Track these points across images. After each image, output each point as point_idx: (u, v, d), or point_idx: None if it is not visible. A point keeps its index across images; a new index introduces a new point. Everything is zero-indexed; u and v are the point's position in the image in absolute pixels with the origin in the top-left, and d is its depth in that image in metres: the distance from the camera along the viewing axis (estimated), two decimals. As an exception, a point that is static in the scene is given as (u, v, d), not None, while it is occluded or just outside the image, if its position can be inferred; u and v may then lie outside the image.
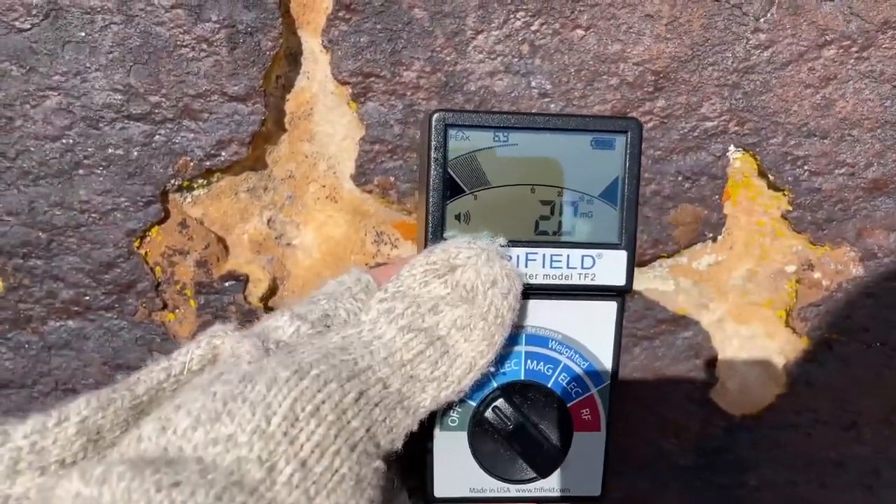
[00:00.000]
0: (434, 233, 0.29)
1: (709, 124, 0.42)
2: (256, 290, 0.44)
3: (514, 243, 0.30)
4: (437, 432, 0.31)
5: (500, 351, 0.28)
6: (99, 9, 0.39)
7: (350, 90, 0.41)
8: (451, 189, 0.30)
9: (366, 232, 0.45)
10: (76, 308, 0.44)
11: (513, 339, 0.31)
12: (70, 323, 0.44)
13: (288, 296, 0.46)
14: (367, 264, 0.45)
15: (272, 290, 0.45)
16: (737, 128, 0.42)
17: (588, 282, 0.31)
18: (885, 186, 0.43)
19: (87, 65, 0.39)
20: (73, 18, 0.39)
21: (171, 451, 0.23)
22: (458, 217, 0.30)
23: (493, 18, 0.40)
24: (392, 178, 0.43)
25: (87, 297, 0.43)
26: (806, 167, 0.43)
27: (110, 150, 0.41)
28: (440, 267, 0.28)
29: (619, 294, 0.32)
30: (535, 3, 0.40)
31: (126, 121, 0.40)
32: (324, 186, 0.44)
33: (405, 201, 0.43)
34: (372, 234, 0.45)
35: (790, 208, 0.44)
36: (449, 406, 0.31)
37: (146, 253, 0.43)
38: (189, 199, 0.43)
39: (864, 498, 0.50)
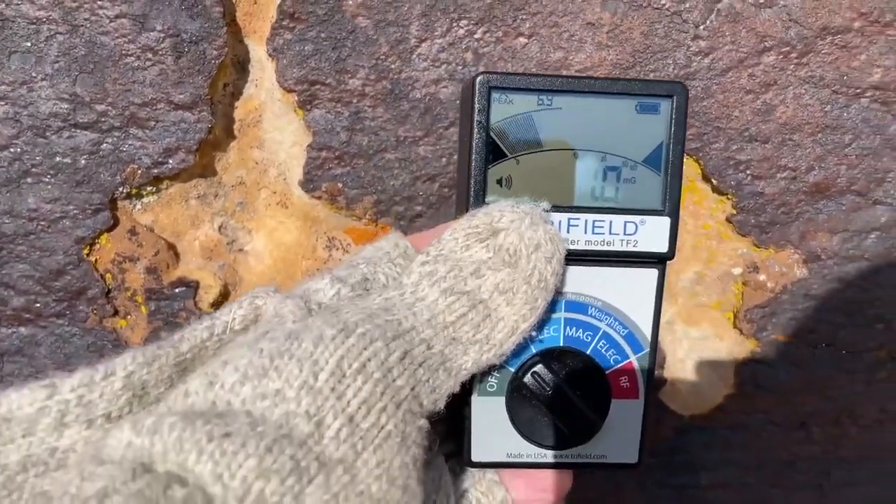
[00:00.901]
0: (476, 197, 0.29)
1: (652, 130, 0.43)
2: (207, 296, 0.45)
3: (556, 208, 0.30)
4: (475, 397, 0.31)
5: (541, 315, 0.28)
6: (44, 19, 0.39)
7: (296, 98, 0.42)
8: (494, 153, 0.30)
9: (317, 237, 0.46)
10: (27, 315, 0.44)
11: (552, 306, 0.31)
12: (21, 330, 0.44)
13: (240, 301, 0.46)
14: (319, 269, 0.46)
15: (224, 296, 0.45)
16: (679, 133, 0.43)
17: (630, 248, 0.30)
18: (826, 190, 0.44)
19: (33, 74, 0.40)
20: (18, 29, 0.39)
21: (220, 405, 0.23)
22: (499, 182, 0.29)
23: (436, 27, 0.41)
24: (340, 185, 0.43)
25: (38, 305, 0.44)
26: (748, 171, 0.44)
27: (58, 159, 0.41)
28: (483, 231, 0.28)
29: (661, 261, 0.31)
30: (477, 11, 0.41)
31: (73, 129, 0.41)
32: (274, 193, 0.45)
33: (354, 207, 0.44)
34: (323, 240, 0.46)
35: (734, 212, 0.45)
36: (488, 371, 0.30)
37: (96, 260, 0.43)
38: (139, 207, 0.43)
39: (816, 498, 0.51)
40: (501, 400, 0.32)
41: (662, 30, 0.41)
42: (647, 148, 0.30)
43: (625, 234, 0.30)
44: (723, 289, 0.47)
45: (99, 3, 0.39)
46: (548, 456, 0.32)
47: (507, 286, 0.27)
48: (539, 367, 0.31)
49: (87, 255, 0.43)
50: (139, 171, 0.42)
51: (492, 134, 0.30)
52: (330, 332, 0.24)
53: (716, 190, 0.44)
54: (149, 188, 0.43)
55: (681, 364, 0.48)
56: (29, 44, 0.40)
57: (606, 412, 0.32)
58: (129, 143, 0.41)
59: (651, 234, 0.30)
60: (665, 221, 0.30)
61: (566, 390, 0.31)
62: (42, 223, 0.42)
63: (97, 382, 0.23)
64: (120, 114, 0.41)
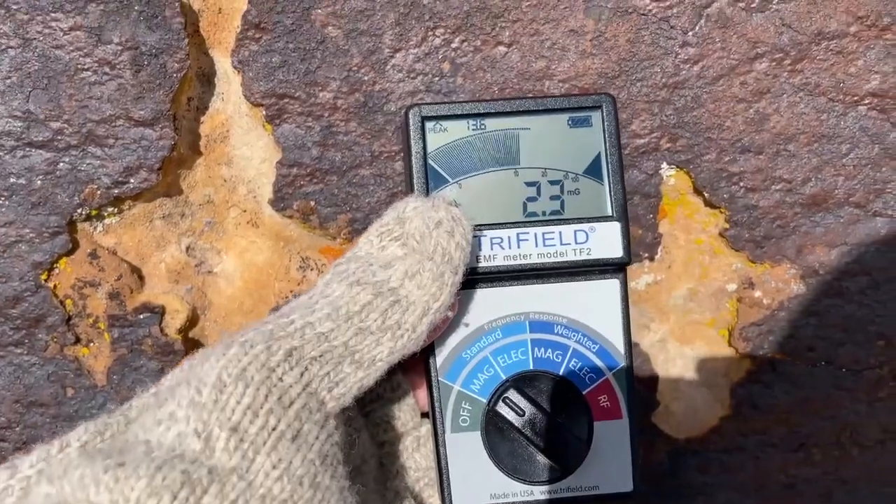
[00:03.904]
0: None
1: (639, 141, 0.41)
2: (174, 322, 0.42)
3: (504, 226, 0.30)
4: (448, 435, 0.30)
5: (454, 294, 0.28)
6: (-7, 32, 0.37)
7: (264, 112, 0.40)
8: (435, 180, 0.30)
9: (290, 258, 0.43)
10: (-16, 344, 0.42)
11: (516, 327, 0.30)
12: (-22, 360, 0.42)
13: (210, 326, 0.44)
14: (291, 292, 0.44)
15: (192, 322, 0.43)
16: (669, 144, 0.41)
17: (585, 257, 0.30)
18: (823, 202, 0.42)
19: (-17, 91, 0.38)
20: (-34, 43, 0.37)
21: (128, 441, 0.24)
22: None
23: (411, 36, 0.39)
24: (312, 203, 0.41)
25: (-5, 333, 0.41)
26: (742, 184, 0.42)
27: (12, 180, 0.39)
28: (393, 226, 0.28)
29: (620, 269, 0.31)
30: (454, 19, 0.39)
31: (27, 148, 0.38)
32: (244, 211, 0.42)
33: (328, 226, 0.42)
34: (297, 260, 0.43)
35: (727, 226, 0.43)
36: (458, 404, 0.30)
37: (55, 286, 0.41)
38: (100, 228, 0.41)
39: (816, 521, 0.49)
40: (477, 435, 0.30)
41: (649, 36, 0.39)
42: (586, 159, 0.31)
43: (577, 242, 0.30)
44: (717, 306, 0.45)
45: (52, 14, 0.37)
46: (535, 493, 0.31)
47: (415, 269, 0.27)
48: (511, 393, 0.30)
49: (46, 280, 0.41)
50: (98, 192, 0.39)
51: (431, 162, 0.30)
52: (218, 349, 0.25)
53: (708, 203, 0.42)
54: (110, 209, 0.40)
55: (674, 384, 0.46)
56: (-22, 59, 0.37)
57: (591, 436, 0.30)
58: (88, 162, 0.39)
59: (604, 240, 0.30)
60: (615, 226, 0.30)
61: (544, 414, 0.30)
62: (-4, 248, 0.40)
63: (54, 456, 0.25)
64: (77, 131, 0.38)
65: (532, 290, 0.30)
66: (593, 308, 0.31)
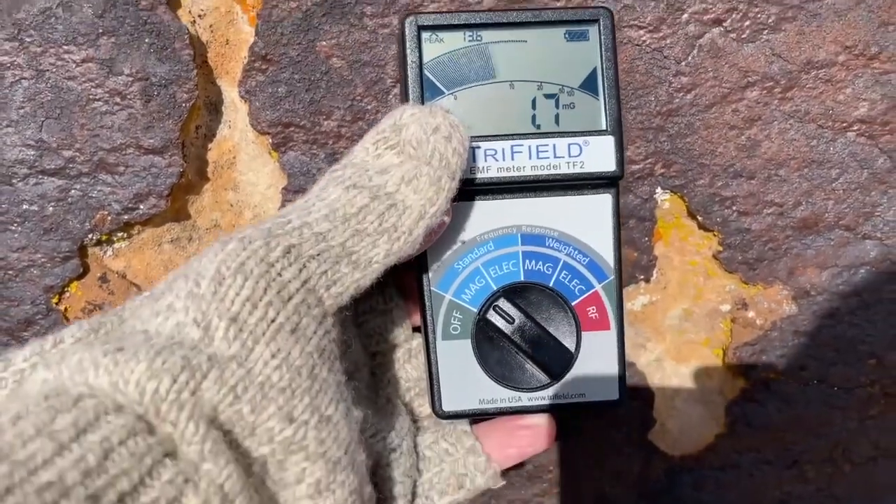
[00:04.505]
0: None
1: (634, 167, 0.42)
2: (181, 343, 0.43)
3: (498, 137, 0.30)
4: (439, 342, 0.30)
5: (449, 199, 0.28)
6: (8, 64, 0.38)
7: (270, 140, 0.41)
8: (431, 90, 0.30)
9: (295, 280, 0.44)
10: (-4, 365, 0.43)
11: (508, 239, 0.31)
12: (-10, 381, 0.43)
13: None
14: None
15: (199, 342, 0.44)
16: (663, 170, 0.42)
17: (578, 170, 0.30)
18: (814, 225, 0.43)
19: (-2, 121, 0.39)
20: (-19, 74, 0.38)
21: (125, 332, 0.24)
22: None
23: (412, 66, 0.40)
24: (317, 227, 0.42)
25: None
26: (734, 208, 0.43)
27: (25, 207, 0.40)
28: (389, 133, 0.28)
29: (612, 184, 0.31)
30: (454, 49, 0.40)
31: (40, 176, 0.40)
32: (250, 235, 0.43)
33: (332, 250, 0.43)
34: (301, 282, 0.44)
35: (721, 248, 0.44)
36: (449, 312, 0.30)
37: (66, 309, 0.42)
38: (110, 253, 0.42)
39: (811, 536, 0.50)
40: (468, 343, 0.31)
41: (643, 66, 0.41)
42: (582, 73, 0.31)
43: (570, 155, 0.30)
44: (711, 326, 0.46)
45: (65, 47, 0.38)
46: (523, 399, 0.31)
47: (412, 174, 0.27)
48: (501, 302, 0.30)
49: (57, 303, 0.42)
50: (109, 218, 0.40)
51: (426, 72, 0.30)
52: (216, 246, 0.25)
53: (701, 226, 0.44)
54: (120, 234, 0.41)
55: (670, 402, 0.47)
56: (-7, 90, 0.39)
57: (578, 346, 0.31)
58: (99, 189, 0.40)
59: (597, 153, 0.30)
60: (609, 140, 0.30)
61: (533, 322, 0.30)
62: (9, 272, 0.41)
63: (47, 350, 0.25)
64: (88, 159, 0.40)
65: (524, 203, 0.30)
66: (585, 222, 0.31)
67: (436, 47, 0.30)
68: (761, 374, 0.46)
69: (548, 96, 0.30)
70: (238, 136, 0.42)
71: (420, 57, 0.30)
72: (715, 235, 0.44)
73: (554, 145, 0.30)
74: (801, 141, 0.42)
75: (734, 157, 0.42)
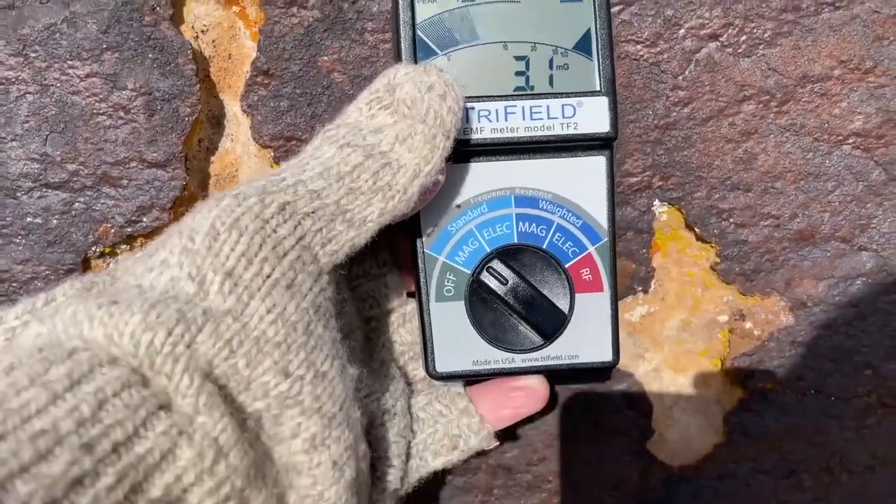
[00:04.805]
0: None
1: (632, 180, 0.42)
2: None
3: (491, 98, 0.29)
4: (432, 304, 0.30)
5: (444, 157, 0.27)
6: (13, 79, 0.39)
7: (272, 153, 0.41)
8: (424, 51, 0.30)
9: (296, 291, 0.45)
10: None
11: (502, 202, 0.30)
12: (-7, 392, 0.43)
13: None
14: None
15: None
16: (661, 182, 0.43)
17: (571, 131, 0.30)
18: (811, 237, 0.44)
19: (3, 135, 0.39)
20: (-13, 89, 0.39)
21: (119, 287, 0.24)
22: None
23: (412, 80, 0.40)
24: (318, 240, 0.43)
25: (10, 366, 0.43)
26: (731, 220, 0.43)
27: (29, 220, 0.40)
28: (383, 93, 0.28)
29: (606, 146, 0.31)
30: (454, 64, 0.40)
31: (44, 189, 0.40)
32: (252, 247, 0.44)
33: (333, 261, 0.43)
34: (302, 294, 0.45)
35: (718, 260, 0.44)
36: (442, 274, 0.30)
37: (69, 320, 0.42)
38: (113, 264, 0.42)
39: (808, 545, 0.50)
40: (461, 304, 0.30)
41: (641, 80, 0.41)
42: (576, 35, 0.30)
43: (564, 116, 0.30)
44: (709, 336, 0.46)
45: (69, 62, 0.39)
46: (516, 360, 0.31)
47: (406, 133, 0.27)
48: (495, 264, 0.30)
49: (60, 315, 0.42)
50: (112, 230, 0.41)
51: (419, 33, 0.29)
52: (210, 202, 0.25)
53: (699, 238, 0.44)
54: (123, 246, 0.42)
55: (668, 412, 0.48)
56: (-2, 104, 0.39)
57: (572, 307, 0.31)
58: (102, 202, 0.40)
59: (590, 114, 0.30)
60: (603, 101, 0.30)
61: (527, 283, 0.30)
62: (13, 285, 0.41)
63: (39, 309, 0.25)
64: (92, 173, 0.40)
65: (518, 165, 0.30)
66: (578, 184, 0.31)
67: (429, 8, 0.30)
68: (759, 384, 0.46)
69: (542, 57, 0.30)
70: (240, 149, 0.42)
71: (413, 17, 0.29)
72: (712, 247, 0.44)
73: (548, 106, 0.30)
74: (797, 154, 0.42)
75: (731, 170, 0.42)
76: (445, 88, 0.27)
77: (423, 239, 0.31)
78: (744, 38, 0.41)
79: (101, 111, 0.39)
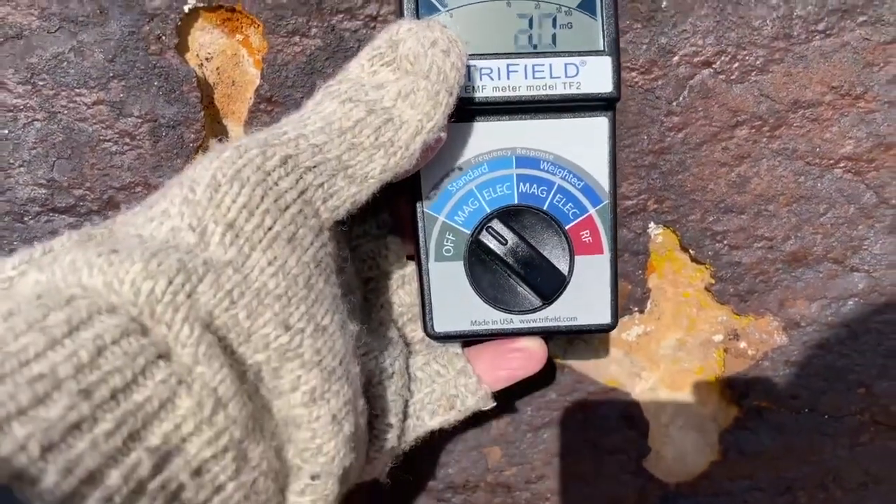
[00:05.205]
0: None
1: (628, 203, 0.43)
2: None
3: (494, 56, 0.29)
4: (431, 263, 0.30)
5: (447, 113, 0.27)
6: (21, 107, 0.39)
7: (275, 178, 0.42)
8: (426, 7, 0.29)
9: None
10: (5, 397, 0.44)
11: (503, 162, 0.30)
12: None
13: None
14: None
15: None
16: (656, 205, 0.43)
17: (574, 91, 0.29)
18: (803, 258, 0.44)
19: (11, 161, 0.40)
20: (-5, 116, 0.39)
21: (119, 237, 0.24)
22: None
23: (412, 107, 0.41)
24: (319, 262, 0.43)
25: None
26: (725, 242, 0.44)
27: (36, 244, 0.41)
28: (385, 49, 0.28)
29: (609, 107, 0.30)
30: (453, 91, 0.41)
31: (51, 214, 0.41)
32: (254, 268, 0.45)
33: (334, 283, 0.44)
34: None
35: (713, 281, 0.45)
36: (442, 234, 0.30)
37: (74, 342, 0.43)
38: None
39: (804, 561, 0.51)
40: (460, 264, 0.30)
41: (636, 106, 0.42)
42: None
43: (566, 76, 0.29)
44: (704, 355, 0.47)
45: (77, 90, 0.39)
46: (515, 321, 0.31)
47: (409, 89, 0.27)
48: (495, 224, 0.30)
49: (66, 337, 0.43)
50: (117, 254, 0.42)
51: None
52: (211, 154, 0.25)
53: (694, 259, 0.45)
54: (127, 269, 0.43)
55: (665, 430, 0.48)
56: (6, 131, 0.40)
57: (571, 269, 0.31)
58: (108, 226, 0.41)
59: (594, 74, 0.30)
60: (606, 60, 0.30)
61: (526, 244, 0.30)
62: (20, 307, 0.42)
63: (36, 259, 0.24)
64: (98, 197, 0.41)
65: (520, 125, 0.30)
66: (580, 145, 0.30)
67: None
68: (754, 403, 0.47)
69: (545, 16, 0.30)
70: (243, 173, 0.43)
71: None
72: (707, 268, 0.45)
73: (550, 65, 0.29)
74: (789, 177, 0.43)
75: (725, 193, 0.43)
76: (449, 44, 0.27)
77: (423, 199, 0.31)
78: (736, 64, 0.41)
79: (108, 137, 0.40)
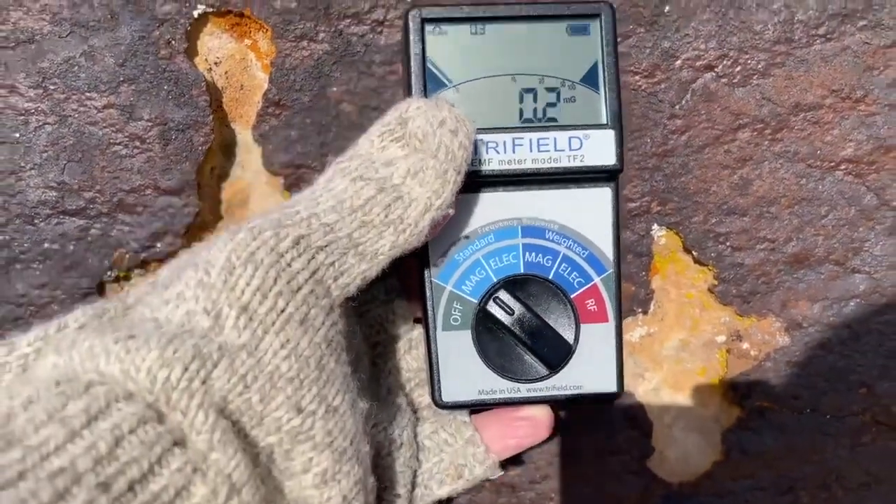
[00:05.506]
0: None
1: (632, 205, 0.44)
2: (195, 376, 0.45)
3: (499, 130, 0.30)
4: (439, 332, 0.31)
5: (455, 191, 0.28)
6: (33, 110, 0.40)
7: (283, 181, 0.42)
8: (434, 83, 0.30)
9: (304, 313, 0.46)
10: (15, 398, 0.44)
11: (509, 232, 0.31)
12: (9, 413, 0.44)
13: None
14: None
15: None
16: (659, 208, 0.44)
17: (578, 164, 0.30)
18: (805, 260, 0.45)
19: (22, 164, 0.40)
20: (7, 120, 0.40)
21: (134, 320, 0.24)
22: None
23: (418, 110, 0.42)
24: (326, 264, 0.44)
25: (26, 387, 0.44)
26: (728, 243, 0.44)
27: (46, 245, 0.41)
28: (394, 126, 0.28)
29: (612, 178, 0.31)
30: (459, 94, 0.42)
31: (61, 216, 0.41)
32: (262, 270, 0.45)
33: (340, 285, 0.44)
34: (311, 316, 0.46)
35: (716, 282, 0.45)
36: (450, 303, 0.30)
37: (84, 343, 0.43)
38: (126, 288, 0.44)
39: (806, 560, 0.51)
40: (468, 333, 0.31)
41: (639, 109, 0.42)
42: (583, 68, 0.31)
43: (570, 149, 0.30)
44: (707, 356, 0.48)
45: (87, 94, 0.40)
46: (522, 390, 0.31)
47: (418, 167, 0.27)
48: (502, 294, 0.30)
49: (75, 338, 0.43)
50: (127, 256, 0.42)
51: (429, 65, 0.30)
52: (224, 235, 0.25)
53: (697, 261, 0.45)
54: (137, 271, 0.43)
55: (668, 431, 0.49)
56: (17, 134, 0.40)
57: (577, 337, 0.31)
58: (117, 228, 0.42)
59: (597, 147, 0.30)
60: (609, 134, 0.31)
61: (533, 313, 0.30)
62: (30, 308, 0.42)
63: (52, 336, 0.25)
64: (108, 200, 0.41)
65: (525, 196, 0.30)
66: (585, 215, 0.31)
67: (439, 40, 0.30)
68: (756, 403, 0.47)
69: (549, 89, 0.31)
70: (251, 176, 0.44)
71: (423, 49, 0.30)
72: (710, 270, 0.45)
73: (555, 138, 0.30)
74: (791, 180, 0.44)
75: (727, 196, 0.44)
76: (457, 124, 0.28)
77: (431, 268, 0.32)
78: (738, 68, 0.42)
79: (118, 141, 0.41)
